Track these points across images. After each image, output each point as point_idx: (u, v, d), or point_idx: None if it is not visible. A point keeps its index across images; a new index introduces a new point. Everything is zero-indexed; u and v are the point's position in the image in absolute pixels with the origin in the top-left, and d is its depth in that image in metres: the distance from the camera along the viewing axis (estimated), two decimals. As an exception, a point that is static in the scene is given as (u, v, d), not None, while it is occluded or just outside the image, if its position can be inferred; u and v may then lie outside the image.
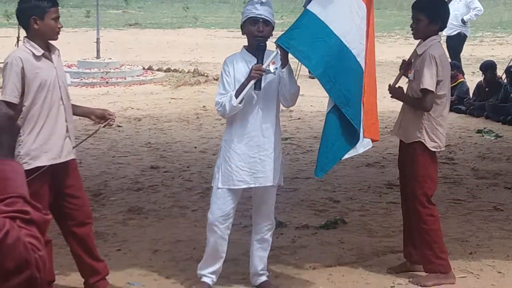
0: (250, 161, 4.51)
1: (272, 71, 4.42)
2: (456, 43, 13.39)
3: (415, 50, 4.98)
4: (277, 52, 4.41)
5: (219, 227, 4.59)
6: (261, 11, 4.44)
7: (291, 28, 4.51)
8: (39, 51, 4.31)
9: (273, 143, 4.55)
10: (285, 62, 4.42)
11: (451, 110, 10.74)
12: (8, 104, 4.13)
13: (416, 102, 4.89)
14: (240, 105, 4.38)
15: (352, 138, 4.49)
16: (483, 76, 11.32)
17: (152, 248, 5.55)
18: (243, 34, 4.59)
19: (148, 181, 7.40)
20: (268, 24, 4.48)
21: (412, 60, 5.00)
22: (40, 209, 1.67)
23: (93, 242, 4.68)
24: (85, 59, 15.09)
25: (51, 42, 4.44)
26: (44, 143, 4.32)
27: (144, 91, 13.14)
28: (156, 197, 6.86)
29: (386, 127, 9.69)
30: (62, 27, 4.41)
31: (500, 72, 11.69)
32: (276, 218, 6.01)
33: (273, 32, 4.58)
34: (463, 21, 13.33)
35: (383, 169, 7.93)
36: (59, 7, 4.43)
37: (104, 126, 4.74)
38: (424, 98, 4.80)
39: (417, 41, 5.03)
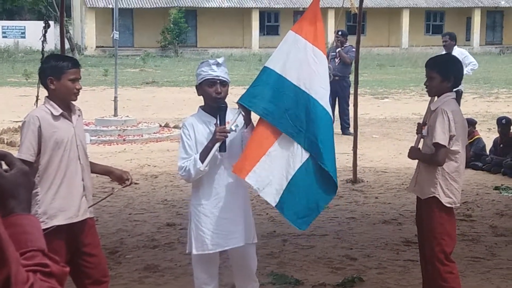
0: (222, 222, 4.42)
1: (234, 129, 4.37)
2: (459, 98, 13.44)
3: (429, 106, 5.03)
4: (239, 111, 4.42)
5: None
6: (217, 72, 4.43)
7: (251, 86, 4.57)
8: (58, 111, 4.38)
9: (241, 201, 4.49)
10: (248, 121, 4.45)
11: (468, 166, 10.78)
12: (24, 162, 4.18)
13: (430, 158, 4.90)
14: (206, 168, 4.30)
15: (329, 186, 4.50)
16: (499, 129, 11.31)
17: (168, 306, 5.51)
18: (199, 95, 4.56)
19: (165, 238, 7.39)
20: (225, 85, 4.48)
21: (426, 118, 5.04)
22: (59, 262, 1.69)
23: None
24: (103, 117, 15.26)
25: (72, 102, 4.51)
26: (62, 202, 4.36)
27: (161, 148, 13.21)
28: (172, 254, 6.84)
29: (402, 184, 9.67)
30: (81, 88, 4.47)
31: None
32: (293, 276, 6.00)
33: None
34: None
35: (400, 226, 7.88)
36: (80, 68, 4.51)
37: (120, 189, 4.77)
38: (436, 153, 4.83)
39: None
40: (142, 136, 14.21)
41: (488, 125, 15.23)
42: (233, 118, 4.41)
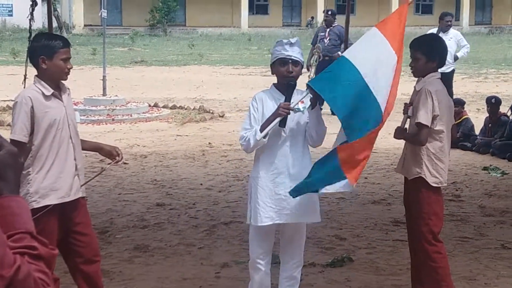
0: (276, 197, 4.53)
1: (301, 109, 4.45)
2: (451, 79, 13.46)
3: (414, 87, 5.03)
4: (307, 93, 4.46)
5: (261, 263, 4.64)
6: (290, 52, 4.51)
7: (324, 71, 4.68)
8: (49, 91, 4.35)
9: (299, 180, 4.53)
10: (314, 104, 4.48)
11: (456, 147, 10.83)
12: (17, 143, 4.16)
13: (413, 138, 4.92)
14: (264, 140, 4.40)
15: (334, 179, 4.49)
16: (488, 108, 11.32)
17: (158, 286, 5.53)
18: (272, 73, 4.66)
19: (154, 218, 7.39)
20: (298, 64, 4.55)
21: (413, 98, 5.04)
22: (47, 244, 1.68)
23: (101, 280, 4.68)
24: (92, 96, 15.19)
25: (62, 81, 4.48)
26: (54, 182, 4.35)
27: (150, 128, 13.19)
28: (162, 234, 6.84)
29: (391, 164, 9.69)
30: (71, 67, 4.44)
31: (505, 109, 11.72)
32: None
33: None
34: (456, 58, 13.44)
35: (389, 206, 7.91)
36: (70, 48, 4.47)
37: (111, 165, 4.76)
38: (418, 133, 4.85)
39: None
40: (131, 115, 14.17)
41: (477, 105, 15.28)
42: (300, 98, 4.47)
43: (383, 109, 4.45)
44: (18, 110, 4.30)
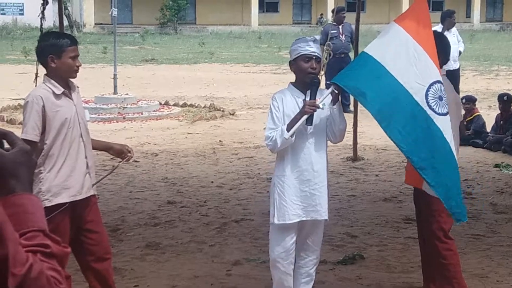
0: (302, 194, 4.56)
1: (321, 107, 4.49)
2: (458, 75, 13.40)
3: None
4: (332, 89, 4.50)
5: (282, 263, 4.64)
6: (314, 48, 4.55)
7: (347, 69, 4.70)
8: (59, 90, 4.36)
9: (322, 177, 4.60)
10: (336, 100, 4.52)
11: (468, 144, 10.79)
12: (29, 142, 4.18)
13: None
14: (292, 138, 4.43)
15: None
16: (500, 106, 11.28)
17: (170, 284, 5.54)
18: (292, 70, 4.67)
19: (165, 216, 7.40)
20: (319, 62, 4.61)
21: None
22: (60, 242, 1.68)
23: (112, 278, 4.68)
24: (103, 94, 15.23)
25: (71, 79, 4.49)
26: (65, 180, 4.36)
27: (161, 126, 13.20)
28: (173, 232, 6.85)
29: (403, 161, 9.66)
30: (80, 65, 4.45)
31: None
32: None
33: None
34: (459, 53, 13.42)
35: (401, 203, 7.89)
36: (78, 45, 4.48)
37: (122, 162, 4.77)
38: None
39: None
40: (142, 114, 14.20)
41: (489, 102, 15.21)
42: (324, 95, 4.51)
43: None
44: (29, 109, 4.31)
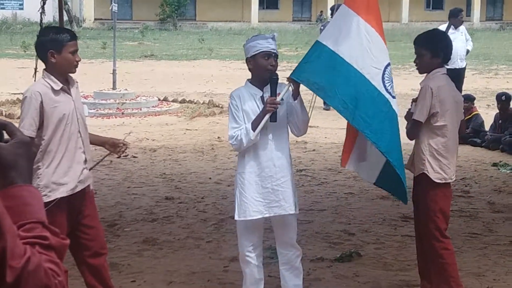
0: (264, 191, 4.57)
1: (281, 103, 4.52)
2: (463, 74, 13.39)
3: (420, 84, 4.98)
4: (289, 85, 4.52)
5: (250, 256, 4.68)
6: (273, 45, 4.58)
7: (303, 62, 4.63)
8: (58, 85, 4.36)
9: (285, 172, 4.60)
10: (296, 94, 4.53)
11: (466, 143, 10.79)
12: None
13: (407, 132, 4.97)
14: (257, 137, 4.46)
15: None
16: (499, 105, 11.29)
17: (167, 279, 5.54)
18: (249, 67, 4.65)
19: (163, 212, 7.41)
20: (277, 59, 4.63)
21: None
22: (58, 234, 1.68)
23: (108, 273, 4.68)
24: (101, 90, 15.22)
25: (70, 74, 4.49)
26: (63, 176, 4.37)
27: (159, 122, 13.20)
28: (171, 228, 6.86)
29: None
30: (80, 60, 4.45)
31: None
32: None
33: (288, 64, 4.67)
34: (467, 52, 13.42)
35: (398, 201, 7.86)
36: (77, 40, 4.48)
37: (119, 157, 4.77)
38: (410, 127, 4.89)
39: None
40: (140, 109, 14.19)
41: (487, 101, 15.21)
42: (283, 91, 4.54)
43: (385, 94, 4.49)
44: (27, 105, 4.30)
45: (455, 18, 13.15)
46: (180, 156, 10.23)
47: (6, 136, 1.72)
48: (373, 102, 4.49)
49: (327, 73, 4.49)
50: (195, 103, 15.21)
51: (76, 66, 4.43)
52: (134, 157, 9.91)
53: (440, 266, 4.89)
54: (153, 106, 14.57)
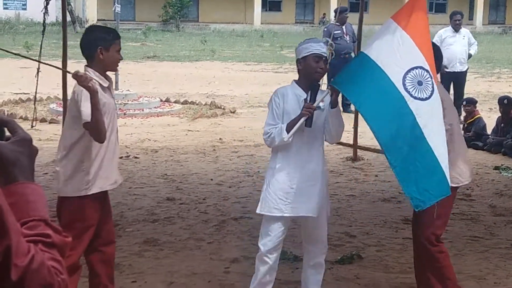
0: (289, 191, 4.61)
1: (321, 107, 4.59)
2: (464, 78, 13.40)
3: None
4: (328, 92, 4.57)
5: (269, 257, 4.70)
6: (324, 49, 4.66)
7: (345, 71, 4.72)
8: (106, 82, 4.52)
9: (314, 177, 4.63)
10: (335, 103, 4.58)
11: (468, 146, 10.76)
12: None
13: None
14: (290, 139, 4.51)
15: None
16: (501, 109, 11.28)
17: (168, 280, 5.54)
18: (299, 69, 4.70)
19: (164, 212, 7.41)
20: (326, 64, 4.68)
21: None
22: (61, 232, 1.67)
23: (113, 264, 4.83)
24: (104, 90, 15.20)
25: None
26: (106, 170, 4.52)
27: (161, 123, 13.21)
28: (172, 229, 6.86)
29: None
30: (122, 59, 4.61)
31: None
32: (292, 252, 6.02)
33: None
34: (470, 56, 13.44)
35: (400, 204, 7.89)
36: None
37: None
38: None
39: None
40: (143, 110, 14.19)
41: (490, 105, 15.21)
42: (321, 97, 4.59)
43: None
44: (85, 97, 4.33)
45: (451, 21, 13.23)
46: (182, 157, 10.24)
47: (7, 133, 1.72)
48: (384, 93, 4.41)
49: (365, 83, 4.50)
50: (197, 104, 15.21)
51: (118, 65, 4.62)
52: (136, 157, 9.92)
53: (437, 270, 4.91)
54: (155, 107, 14.57)
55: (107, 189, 4.59)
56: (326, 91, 4.61)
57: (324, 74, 4.68)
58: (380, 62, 4.47)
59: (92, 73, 4.46)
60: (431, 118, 4.39)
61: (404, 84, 4.41)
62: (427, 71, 4.47)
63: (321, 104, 4.58)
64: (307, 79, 4.64)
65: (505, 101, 11.22)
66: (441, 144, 4.37)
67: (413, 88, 4.40)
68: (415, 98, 4.39)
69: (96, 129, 4.28)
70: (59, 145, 4.56)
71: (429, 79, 4.45)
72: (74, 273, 4.46)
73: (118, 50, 4.56)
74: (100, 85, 4.44)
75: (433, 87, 4.44)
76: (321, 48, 4.62)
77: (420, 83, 4.42)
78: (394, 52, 4.51)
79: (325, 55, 4.64)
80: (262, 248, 4.70)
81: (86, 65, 4.55)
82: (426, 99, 4.40)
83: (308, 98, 4.56)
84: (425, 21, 4.71)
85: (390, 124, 4.41)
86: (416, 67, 4.47)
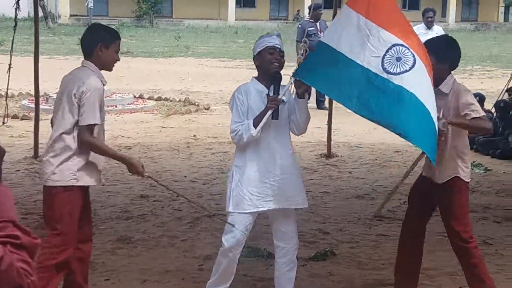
0: (261, 186, 4.60)
1: (285, 100, 4.58)
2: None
3: (438, 89, 4.77)
4: (291, 83, 4.58)
5: (233, 252, 4.69)
6: (277, 41, 4.64)
7: (306, 62, 4.71)
8: (105, 81, 4.60)
9: (286, 170, 4.63)
10: (302, 94, 4.57)
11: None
12: (93, 126, 4.40)
13: (479, 128, 4.85)
14: (258, 134, 4.50)
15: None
16: (497, 114, 11.28)
17: (141, 278, 5.52)
18: (257, 65, 4.70)
19: (138, 210, 7.38)
20: (283, 56, 4.65)
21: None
22: (29, 233, 1.66)
23: (89, 263, 4.85)
24: (76, 86, 15.09)
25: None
26: (93, 165, 4.53)
27: (135, 120, 13.14)
28: (145, 226, 6.83)
29: (376, 159, 9.72)
30: (119, 60, 4.64)
31: (489, 105, 11.75)
32: (266, 249, 6.02)
33: None
34: None
35: (373, 201, 7.93)
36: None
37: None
38: (483, 123, 4.75)
39: None
40: (116, 106, 14.12)
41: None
42: (284, 89, 4.59)
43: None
44: (96, 97, 4.41)
45: (424, 18, 13.34)
46: (156, 154, 10.20)
47: None
48: (368, 81, 4.42)
49: (330, 71, 4.50)
50: (171, 101, 15.16)
51: (114, 65, 4.65)
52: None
53: (474, 266, 4.89)
54: (128, 104, 14.50)
55: (91, 185, 4.59)
56: (288, 83, 4.61)
57: (282, 66, 4.63)
58: (358, 59, 4.45)
59: (95, 72, 4.51)
60: (420, 85, 4.40)
61: (383, 67, 4.40)
62: (402, 45, 4.47)
63: (284, 98, 4.58)
64: (266, 74, 4.63)
65: (477, 98, 11.25)
66: (433, 107, 4.40)
67: (390, 66, 4.39)
68: (395, 74, 4.38)
69: (97, 151, 4.46)
70: (51, 135, 4.54)
71: (407, 51, 4.44)
72: (63, 270, 4.47)
73: (117, 51, 4.58)
74: (102, 83, 4.53)
75: (414, 57, 4.44)
76: (274, 40, 4.62)
77: (398, 59, 4.41)
78: (366, 44, 4.49)
79: (279, 46, 4.61)
80: (226, 244, 4.67)
81: (84, 60, 4.58)
82: (410, 69, 4.41)
83: (272, 91, 4.57)
84: (377, 4, 4.67)
85: (385, 105, 4.36)
86: (391, 47, 4.47)
